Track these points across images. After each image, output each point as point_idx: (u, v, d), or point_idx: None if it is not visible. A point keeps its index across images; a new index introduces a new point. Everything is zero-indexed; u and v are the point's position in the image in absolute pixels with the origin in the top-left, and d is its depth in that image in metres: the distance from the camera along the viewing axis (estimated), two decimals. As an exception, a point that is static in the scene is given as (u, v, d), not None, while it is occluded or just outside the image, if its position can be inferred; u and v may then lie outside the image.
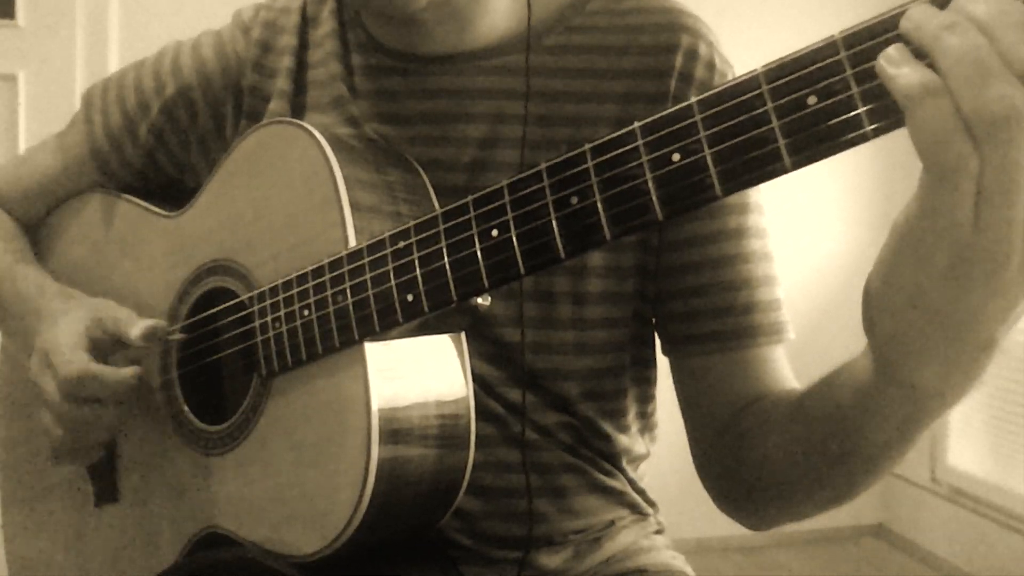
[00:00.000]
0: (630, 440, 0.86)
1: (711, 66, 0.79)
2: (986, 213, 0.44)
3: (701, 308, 0.78)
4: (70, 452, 0.85)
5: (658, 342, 0.85)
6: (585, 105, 0.78)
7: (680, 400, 0.83)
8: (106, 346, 0.81)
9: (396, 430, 0.67)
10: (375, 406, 0.66)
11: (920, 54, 0.43)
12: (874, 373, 0.57)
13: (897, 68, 0.43)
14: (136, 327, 0.79)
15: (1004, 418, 2.93)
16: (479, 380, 0.78)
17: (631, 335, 0.82)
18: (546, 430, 0.81)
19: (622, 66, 0.79)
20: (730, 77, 0.80)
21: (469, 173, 0.79)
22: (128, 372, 0.79)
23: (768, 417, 0.74)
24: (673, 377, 0.83)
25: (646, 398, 0.87)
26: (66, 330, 0.81)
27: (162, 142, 0.92)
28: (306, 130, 0.74)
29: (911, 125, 0.43)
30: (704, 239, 0.78)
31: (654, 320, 0.83)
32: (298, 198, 0.74)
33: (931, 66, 0.43)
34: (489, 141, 0.79)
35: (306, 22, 0.88)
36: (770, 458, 0.72)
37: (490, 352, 0.79)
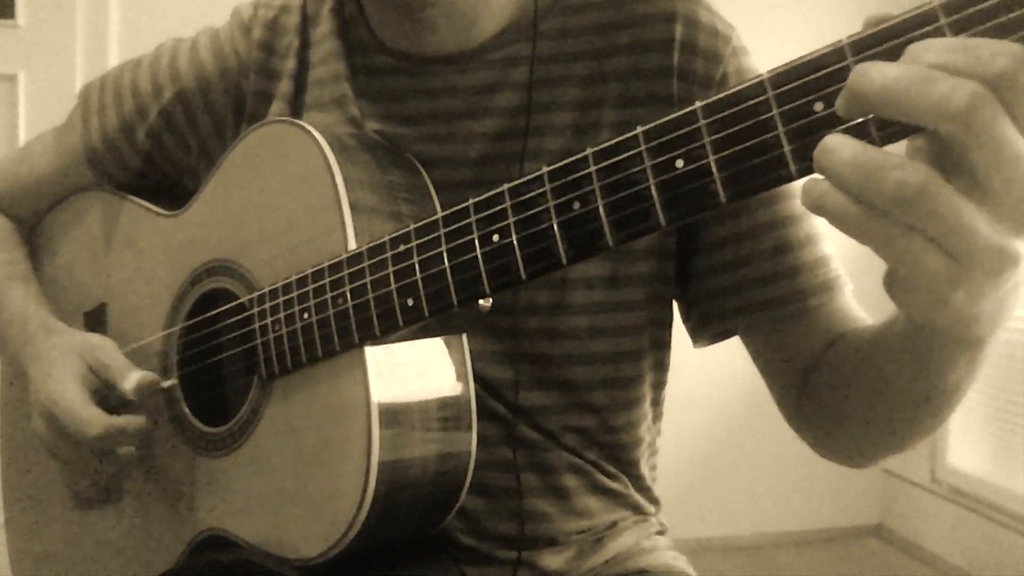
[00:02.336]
0: (645, 428, 0.86)
1: (714, 32, 0.77)
2: (957, 254, 0.44)
3: (747, 278, 0.77)
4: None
5: (679, 324, 0.85)
6: (588, 88, 0.77)
7: (758, 369, 0.82)
8: (103, 393, 0.82)
9: (397, 433, 0.67)
10: (376, 409, 0.66)
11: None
12: (919, 335, 0.57)
13: (804, 192, 0.45)
14: (129, 381, 0.80)
15: (1004, 418, 2.93)
16: (482, 381, 0.77)
17: (648, 318, 0.81)
18: (549, 432, 0.81)
19: (621, 42, 0.77)
20: (734, 41, 0.78)
21: (476, 168, 0.79)
22: (145, 418, 0.80)
23: (845, 358, 0.73)
24: (748, 350, 0.82)
25: (660, 383, 0.87)
26: (65, 386, 0.81)
27: (160, 146, 0.91)
28: (306, 130, 0.73)
29: (830, 223, 0.45)
30: (738, 211, 0.77)
31: (681, 301, 0.83)
32: (298, 199, 0.73)
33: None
34: (496, 135, 0.78)
35: (307, 21, 0.87)
36: (853, 393, 0.71)
37: (494, 352, 0.78)
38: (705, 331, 0.82)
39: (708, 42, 0.76)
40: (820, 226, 0.78)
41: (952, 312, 0.47)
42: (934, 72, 0.41)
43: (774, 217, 0.77)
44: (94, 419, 0.78)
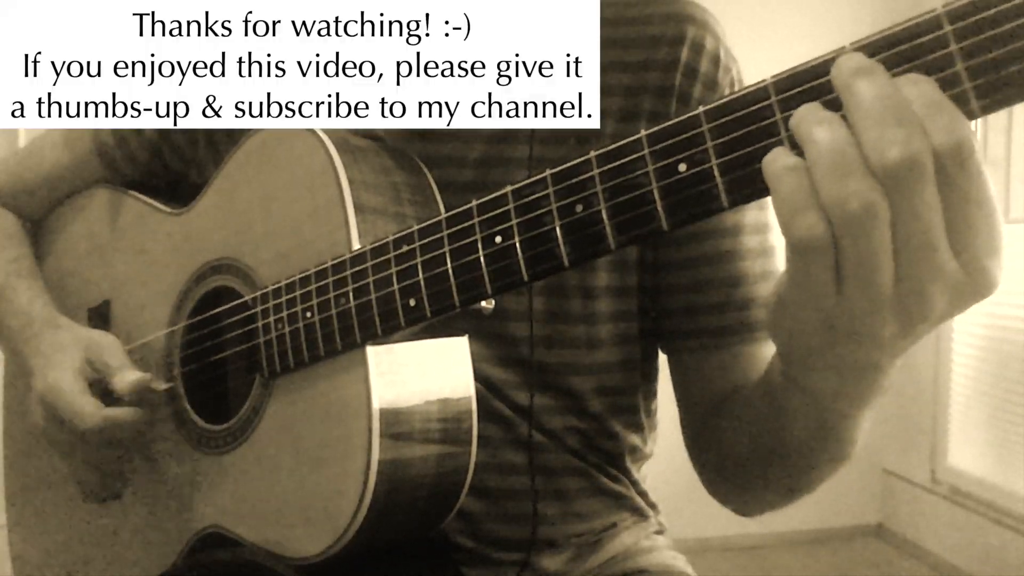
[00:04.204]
0: (639, 438, 0.86)
1: (716, 60, 0.78)
2: (847, 288, 0.46)
3: (699, 304, 0.79)
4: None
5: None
6: None
7: (675, 389, 0.84)
8: (100, 385, 0.82)
9: (398, 433, 0.67)
10: (377, 409, 0.66)
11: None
12: (781, 374, 0.60)
13: (772, 155, 0.46)
14: (123, 380, 0.80)
15: (1004, 418, 2.93)
16: (485, 382, 0.78)
17: (639, 329, 0.82)
18: (552, 433, 0.81)
19: (628, 59, 0.78)
20: (734, 72, 0.80)
21: (478, 169, 0.79)
22: (138, 411, 0.80)
23: (734, 407, 0.75)
24: (670, 368, 0.83)
25: (651, 394, 0.87)
26: (63, 377, 0.81)
27: (167, 138, 0.91)
28: (312, 130, 0.73)
29: (772, 197, 0.46)
30: (700, 235, 0.78)
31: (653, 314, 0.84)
32: (302, 199, 0.73)
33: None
34: (498, 136, 0.79)
35: None
36: (731, 445, 0.74)
37: (497, 354, 0.79)
38: (662, 345, 0.84)
39: (708, 69, 0.78)
40: (778, 266, 0.80)
41: (805, 347, 0.51)
42: (908, 113, 0.42)
43: (735, 248, 0.78)
44: (89, 409, 0.79)
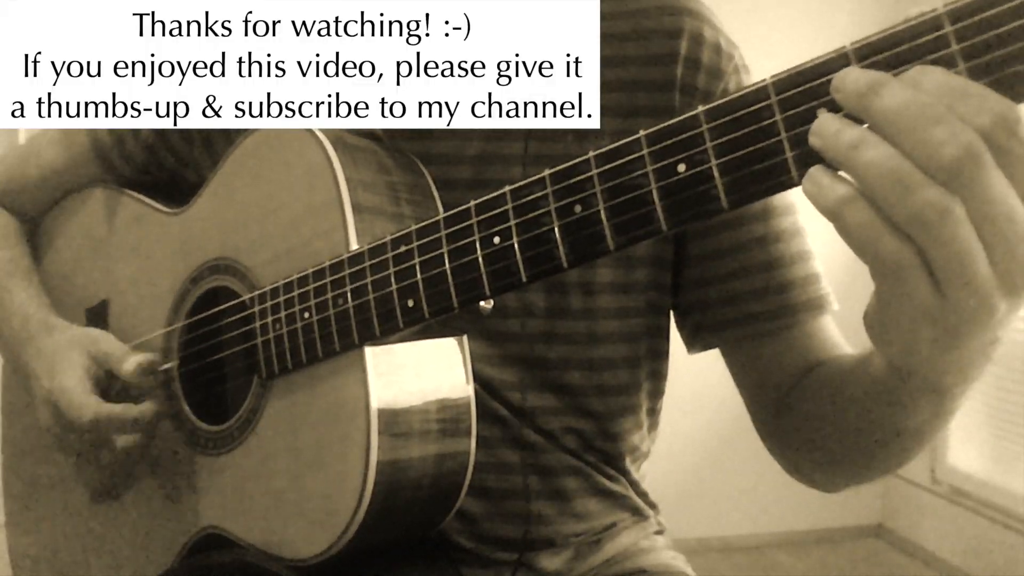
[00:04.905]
0: (639, 437, 0.86)
1: (717, 49, 0.78)
2: (949, 290, 0.45)
3: (740, 291, 0.78)
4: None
5: (675, 334, 0.85)
6: None
7: (737, 381, 0.83)
8: (106, 382, 0.82)
9: (396, 434, 0.67)
10: (375, 410, 0.66)
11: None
12: (900, 380, 0.57)
13: (817, 186, 0.44)
14: (128, 363, 0.80)
15: (1004, 418, 2.93)
16: (484, 382, 0.77)
17: (645, 326, 0.82)
18: (550, 433, 0.81)
19: (627, 53, 0.78)
20: (737, 59, 0.79)
21: (475, 166, 0.79)
22: (145, 407, 0.80)
23: (820, 388, 0.74)
24: (727, 362, 0.83)
25: (657, 392, 0.87)
26: (68, 376, 0.81)
27: (164, 138, 0.91)
28: (309, 129, 0.73)
29: (839, 232, 0.44)
30: (731, 223, 0.77)
31: (676, 310, 0.83)
32: (300, 198, 0.73)
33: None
34: (495, 133, 0.78)
35: None
36: (826, 429, 0.72)
37: (495, 353, 0.78)
38: (697, 340, 0.83)
39: (711, 58, 0.78)
40: (809, 244, 0.79)
41: (923, 358, 0.49)
42: (939, 109, 0.41)
43: (767, 232, 0.77)
44: (89, 405, 0.79)
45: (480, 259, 0.61)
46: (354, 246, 0.69)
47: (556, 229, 0.57)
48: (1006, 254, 0.44)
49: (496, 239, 0.60)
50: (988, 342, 0.50)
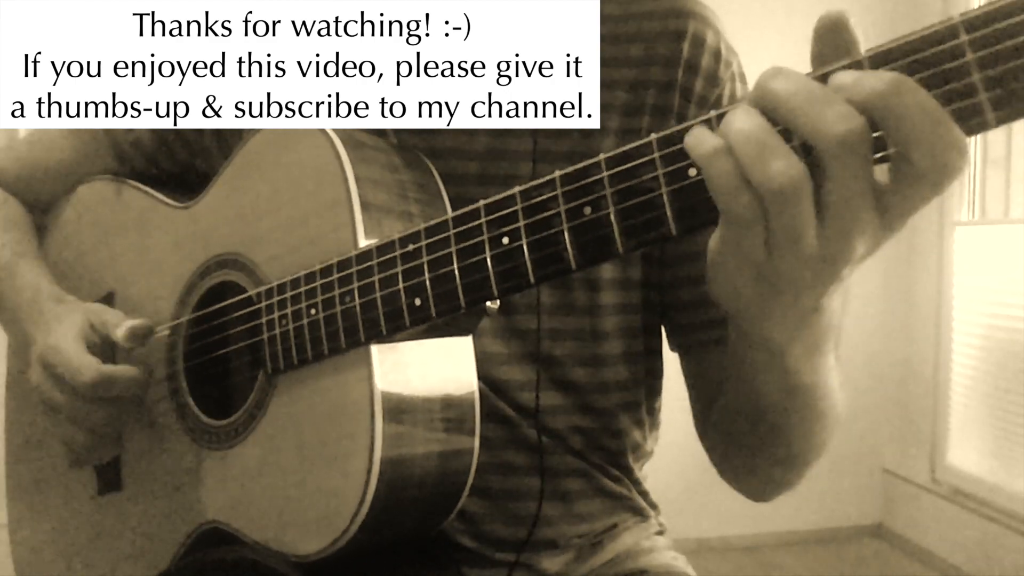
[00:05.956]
0: (641, 436, 0.86)
1: (717, 55, 0.79)
2: (775, 251, 0.49)
3: (706, 296, 0.78)
4: (89, 453, 0.87)
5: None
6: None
7: (689, 384, 0.84)
8: (100, 348, 0.82)
9: (400, 432, 0.67)
10: (380, 407, 0.66)
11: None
12: (736, 333, 0.61)
13: (695, 138, 0.49)
14: (121, 328, 0.80)
15: (1004, 418, 2.92)
16: (491, 382, 0.77)
17: (642, 322, 0.82)
18: (556, 434, 0.81)
19: (631, 54, 0.79)
20: (735, 67, 0.80)
21: (483, 161, 0.79)
22: (139, 370, 0.80)
23: (726, 389, 0.75)
24: (682, 364, 0.83)
25: (654, 391, 0.87)
26: (64, 337, 0.81)
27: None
28: (320, 128, 0.73)
29: (706, 179, 0.48)
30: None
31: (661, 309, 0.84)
32: (309, 195, 0.73)
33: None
34: (502, 130, 0.78)
35: None
36: (727, 424, 0.75)
37: (502, 352, 0.78)
38: (672, 339, 0.84)
39: (710, 64, 0.79)
40: None
41: (746, 301, 0.53)
42: (829, 93, 0.44)
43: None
44: (87, 365, 0.78)
45: (488, 259, 0.61)
46: (362, 244, 0.69)
47: (566, 231, 0.57)
48: (835, 233, 0.47)
49: (505, 239, 0.60)
50: (809, 307, 0.53)
